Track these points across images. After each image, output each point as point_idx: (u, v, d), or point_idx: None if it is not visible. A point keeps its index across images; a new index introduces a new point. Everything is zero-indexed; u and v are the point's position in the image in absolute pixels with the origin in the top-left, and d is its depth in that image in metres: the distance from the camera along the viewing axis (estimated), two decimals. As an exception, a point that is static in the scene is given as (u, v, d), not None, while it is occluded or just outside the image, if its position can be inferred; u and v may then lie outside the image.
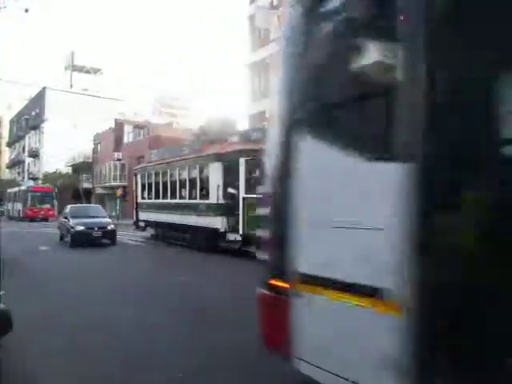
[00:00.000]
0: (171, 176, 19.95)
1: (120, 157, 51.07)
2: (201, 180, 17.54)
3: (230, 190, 15.65)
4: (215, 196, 16.11)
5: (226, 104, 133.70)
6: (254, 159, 14.08)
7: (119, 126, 53.68)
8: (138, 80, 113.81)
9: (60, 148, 57.38)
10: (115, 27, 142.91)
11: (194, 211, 17.49)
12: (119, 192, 45.78)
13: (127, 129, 53.29)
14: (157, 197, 21.48)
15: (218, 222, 15.84)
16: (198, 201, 17.60)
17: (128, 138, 53.08)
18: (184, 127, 54.37)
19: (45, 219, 43.68)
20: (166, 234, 20.95)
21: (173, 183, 19.87)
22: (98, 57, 73.32)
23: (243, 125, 30.39)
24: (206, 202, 16.79)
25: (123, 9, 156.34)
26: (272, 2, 28.56)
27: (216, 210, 16.03)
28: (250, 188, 14.58)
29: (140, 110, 66.24)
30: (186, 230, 18.62)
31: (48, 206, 46.71)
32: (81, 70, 73.06)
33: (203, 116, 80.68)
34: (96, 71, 74.38)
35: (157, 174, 21.65)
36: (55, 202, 47.20)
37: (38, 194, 47.07)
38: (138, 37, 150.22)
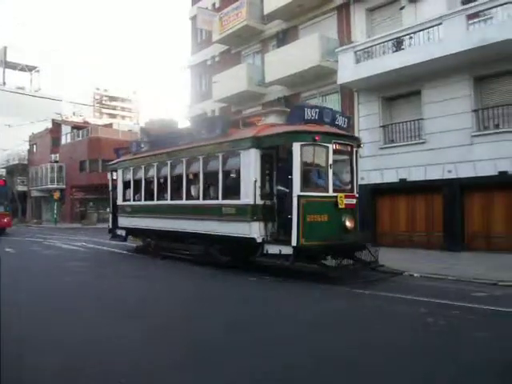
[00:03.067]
0: (173, 170, 14.94)
1: (57, 158, 49.37)
2: (225, 174, 12.77)
3: (280, 188, 11.55)
4: (251, 194, 11.46)
5: (168, 105, 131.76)
6: (314, 145, 10.93)
7: (56, 126, 51.81)
8: (77, 79, 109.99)
9: (-8, 149, 54.48)
10: (55, 25, 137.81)
11: (213, 215, 12.76)
12: (57, 195, 44.01)
13: (65, 129, 51.36)
14: (148, 197, 16.43)
15: (255, 230, 11.39)
16: (219, 201, 12.65)
17: (66, 138, 51.17)
18: (125, 128, 52.91)
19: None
20: (162, 245, 15.92)
21: (176, 179, 14.94)
22: (34, 54, 70.23)
23: (185, 126, 29.72)
24: (235, 202, 12.13)
25: (64, 6, 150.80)
26: (214, 4, 28.14)
27: (252, 213, 11.46)
28: (306, 183, 10.85)
29: (79, 111, 63.98)
30: (197, 240, 13.80)
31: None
32: (15, 67, 69.77)
33: (144, 117, 78.62)
34: (32, 69, 71.28)
35: (148, 169, 16.53)
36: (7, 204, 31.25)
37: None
38: (77, 35, 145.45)
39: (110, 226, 19.54)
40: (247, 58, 25.79)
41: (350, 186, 11.78)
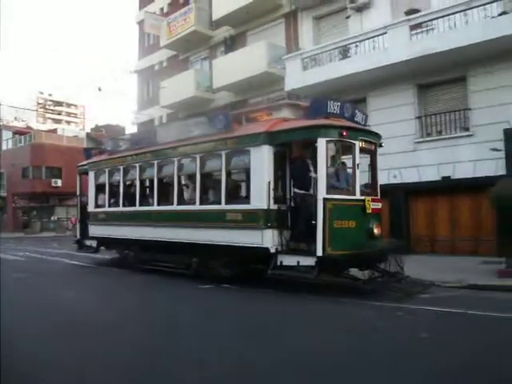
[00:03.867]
0: (161, 171, 13.07)
1: (-2, 165, 47.25)
2: (229, 175, 11.28)
3: (297, 190, 10.11)
4: (264, 198, 9.89)
5: (115, 110, 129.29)
6: (341, 142, 9.70)
7: (-4, 131, 49.64)
8: (20, 84, 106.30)
9: None
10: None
11: (213, 222, 11.03)
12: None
13: (6, 135, 49.36)
14: (128, 203, 14.27)
15: (268, 239, 9.79)
16: (222, 206, 10.89)
17: (7, 144, 49.17)
18: (70, 134, 51.41)
19: None
20: (144, 258, 13.66)
21: (164, 182, 13.30)
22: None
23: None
24: (243, 207, 10.52)
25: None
26: (162, 9, 27.77)
27: (265, 219, 9.87)
28: (331, 185, 9.53)
29: (21, 115, 61.74)
30: (190, 250, 11.86)
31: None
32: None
33: (91, 123, 76.74)
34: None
35: (128, 170, 14.35)
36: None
37: None
38: (22, 37, 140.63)
39: (78, 236, 17.01)
40: (195, 63, 25.62)
41: (373, 189, 10.57)
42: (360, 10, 17.61)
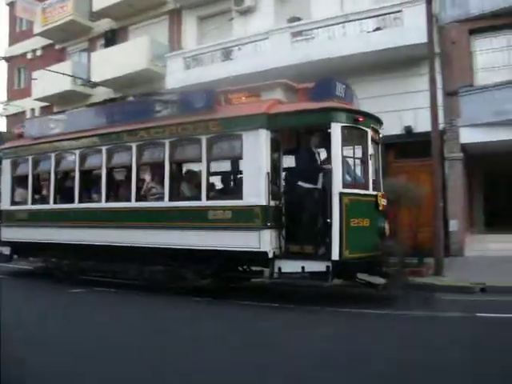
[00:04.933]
0: (111, 159, 10.64)
1: None
2: (211, 164, 9.40)
3: (301, 184, 8.45)
4: (262, 192, 8.28)
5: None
6: (354, 129, 8.41)
7: None
8: None
9: None
10: None
11: (190, 222, 9.05)
12: None
13: None
14: (62, 199, 11.53)
15: (266, 241, 8.19)
16: (203, 203, 8.98)
17: None
18: None
19: None
20: (85, 266, 11.19)
21: (116, 173, 11.37)
22: None
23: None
24: (233, 203, 8.72)
25: None
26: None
27: (263, 218, 8.25)
28: (345, 178, 8.20)
29: None
30: (153, 257, 9.67)
31: None
32: None
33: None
34: None
35: (62, 158, 11.60)
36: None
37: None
38: None
39: None
40: (73, 55, 23.84)
41: (378, 183, 9.10)
42: (244, 13, 17.61)
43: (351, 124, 8.26)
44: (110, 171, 10.97)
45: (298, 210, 8.38)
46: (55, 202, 11.61)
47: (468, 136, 14.30)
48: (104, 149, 10.55)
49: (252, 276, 9.73)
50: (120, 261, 10.25)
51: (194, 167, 10.12)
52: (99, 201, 10.72)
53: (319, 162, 8.68)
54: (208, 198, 9.04)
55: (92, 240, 10.45)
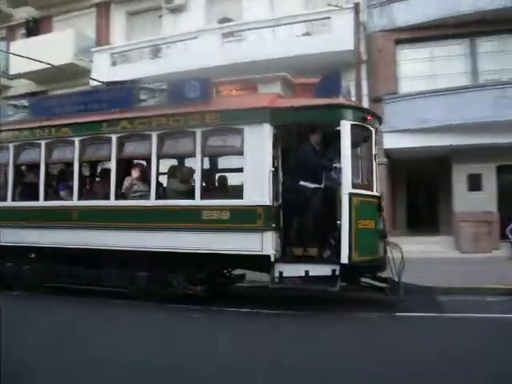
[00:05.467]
0: (85, 152, 9.51)
1: None
2: (207, 160, 8.98)
3: (304, 184, 8.05)
4: (265, 191, 7.82)
5: None
6: (362, 127, 8.06)
7: None
8: None
9: None
10: None
11: (181, 223, 8.35)
12: None
13: None
14: (25, 196, 10.18)
15: (268, 244, 7.72)
16: (197, 202, 8.31)
17: None
18: None
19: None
20: (51, 273, 9.60)
21: (90, 168, 10.59)
22: None
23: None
24: (233, 203, 8.15)
25: None
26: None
27: (265, 219, 7.78)
28: (356, 177, 8.17)
29: None
30: (135, 262, 8.80)
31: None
32: None
33: None
34: None
35: (25, 150, 10.21)
36: None
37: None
38: None
39: None
40: (-12, 42, 22.47)
41: (373, 184, 8.59)
42: (175, 11, 17.28)
43: (359, 122, 7.96)
44: (85, 165, 10.00)
45: (301, 211, 8.06)
46: (14, 200, 10.14)
47: (391, 142, 14.81)
48: (77, 140, 9.32)
49: (234, 281, 9.29)
50: (96, 266, 9.20)
51: (184, 162, 9.50)
52: (69, 198, 9.53)
53: (323, 161, 8.26)
54: (202, 197, 8.30)
55: (59, 242, 9.25)
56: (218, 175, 9.49)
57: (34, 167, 10.26)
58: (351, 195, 7.51)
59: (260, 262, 7.87)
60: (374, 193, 8.13)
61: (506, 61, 15.11)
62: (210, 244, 8.04)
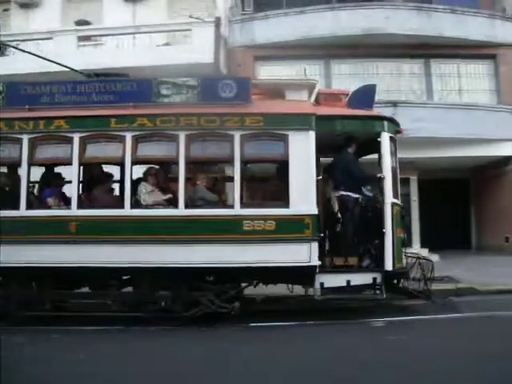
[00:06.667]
0: (87, 151, 7.83)
1: None
2: (246, 166, 8.01)
3: (344, 193, 8.13)
4: (311, 200, 7.46)
5: None
6: (393, 140, 8.22)
7: None
8: None
9: None
10: None
11: (217, 235, 7.43)
12: None
13: None
14: (5, 204, 7.84)
15: (315, 254, 7.34)
16: (237, 211, 7.53)
17: None
18: None
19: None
20: (47, 297, 7.92)
21: (97, 170, 8.64)
22: None
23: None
24: (279, 212, 7.56)
25: None
26: None
27: (313, 229, 7.41)
28: (395, 187, 8.16)
29: None
30: (151, 280, 7.63)
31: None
32: None
33: None
34: None
35: (8, 147, 8.00)
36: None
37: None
38: None
39: None
40: None
41: (398, 193, 8.89)
42: (26, 6, 16.02)
43: (393, 135, 8.22)
44: (88, 167, 8.40)
45: (342, 220, 8.16)
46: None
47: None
48: (76, 137, 7.73)
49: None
50: (101, 287, 8.11)
51: (220, 166, 9.04)
52: (67, 207, 8.00)
53: (366, 171, 8.36)
54: (242, 206, 7.59)
55: (57, 260, 7.55)
56: (256, 181, 8.82)
57: (12, 168, 8.47)
58: (393, 205, 7.77)
59: (304, 274, 7.56)
60: (399, 202, 8.37)
61: (358, 83, 16.23)
62: (249, 257, 7.37)
